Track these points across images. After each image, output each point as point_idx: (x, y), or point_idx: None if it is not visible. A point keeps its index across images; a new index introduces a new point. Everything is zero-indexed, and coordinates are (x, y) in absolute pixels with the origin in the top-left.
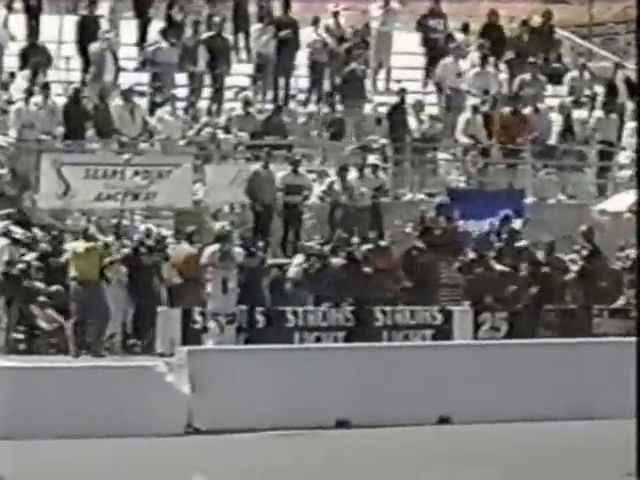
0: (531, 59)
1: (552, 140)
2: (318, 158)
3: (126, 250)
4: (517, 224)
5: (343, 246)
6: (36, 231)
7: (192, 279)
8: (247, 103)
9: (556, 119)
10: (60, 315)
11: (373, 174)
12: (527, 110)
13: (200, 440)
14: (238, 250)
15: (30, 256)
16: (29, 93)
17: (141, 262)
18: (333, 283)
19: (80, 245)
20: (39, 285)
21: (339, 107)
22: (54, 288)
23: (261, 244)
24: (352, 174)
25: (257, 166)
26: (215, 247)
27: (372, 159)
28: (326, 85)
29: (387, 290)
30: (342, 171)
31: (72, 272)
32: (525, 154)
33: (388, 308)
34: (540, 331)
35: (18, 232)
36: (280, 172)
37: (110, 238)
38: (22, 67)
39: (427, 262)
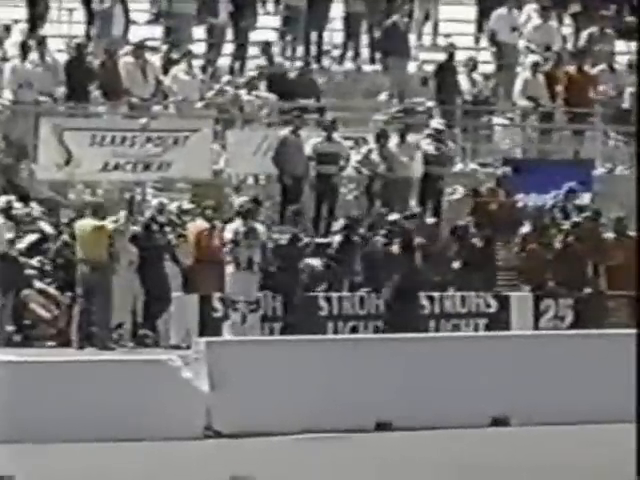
0: (600, 12)
1: (625, 103)
2: (355, 123)
3: (136, 228)
4: (584, 198)
5: (382, 223)
6: (34, 206)
7: (210, 260)
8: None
9: (629, 79)
10: (59, 302)
11: (437, 141)
12: (596, 68)
13: (221, 444)
14: (262, 228)
15: (29, 237)
16: (26, 48)
17: (153, 241)
18: (371, 265)
19: (88, 223)
20: (37, 268)
21: (379, 65)
22: (54, 271)
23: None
24: (393, 141)
25: (285, 132)
26: (238, 223)
27: (435, 123)
28: (364, 40)
29: (435, 273)
30: (381, 138)
31: (79, 253)
32: (594, 118)
33: (436, 294)
34: (610, 321)
35: (16, 208)
36: (312, 139)
37: (120, 214)
38: (18, 20)
39: (481, 241)
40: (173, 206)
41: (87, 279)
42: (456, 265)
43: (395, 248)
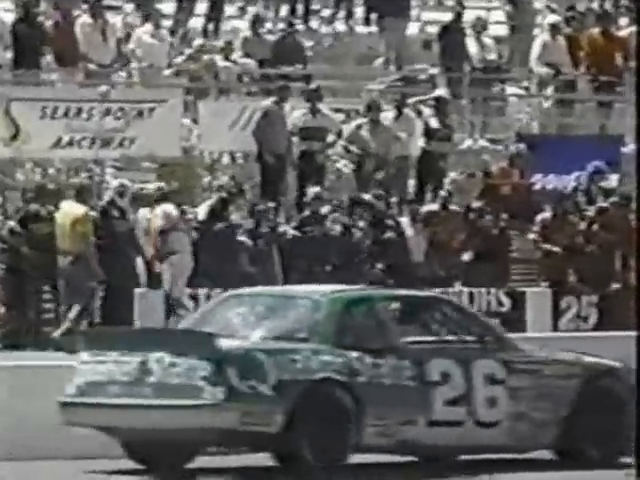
0: None
1: None
2: (346, 93)
3: (93, 213)
4: (612, 180)
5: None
6: None
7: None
8: (255, 21)
9: None
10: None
11: (439, 113)
12: (625, 31)
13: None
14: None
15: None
16: None
17: (112, 228)
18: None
19: (69, 207)
20: None
21: (374, 27)
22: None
23: (271, 205)
24: (389, 114)
25: (267, 102)
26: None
27: (440, 91)
28: None
29: (438, 266)
30: (373, 109)
31: (60, 243)
32: (623, 88)
33: (438, 289)
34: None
35: None
36: (296, 111)
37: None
38: None
39: (492, 229)
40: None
41: (66, 273)
42: (465, 257)
43: (387, 236)
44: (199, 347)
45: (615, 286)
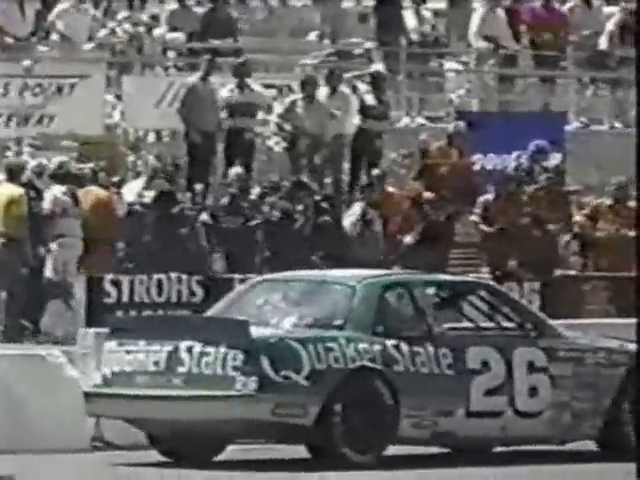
0: None
1: (603, 44)
2: (279, 68)
3: None
4: (555, 159)
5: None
6: None
7: (105, 237)
8: None
9: (610, 15)
10: None
11: (376, 89)
12: (568, 4)
13: (113, 458)
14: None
15: None
16: None
17: (30, 210)
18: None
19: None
20: None
21: None
22: None
23: (198, 186)
24: (324, 90)
25: (192, 78)
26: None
27: (377, 66)
28: None
29: (374, 251)
30: (308, 85)
31: None
32: (566, 63)
33: None
34: (585, 308)
35: None
36: (225, 86)
37: None
38: None
39: (430, 212)
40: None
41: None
42: (408, 239)
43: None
44: (231, 335)
45: (559, 272)
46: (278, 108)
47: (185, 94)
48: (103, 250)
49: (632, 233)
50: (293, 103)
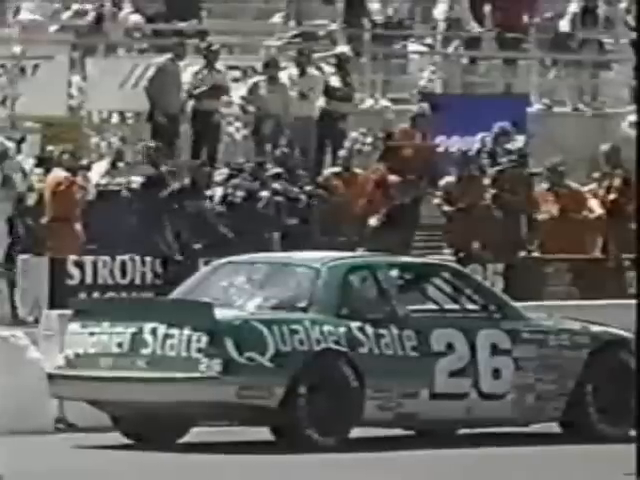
0: None
1: (566, 26)
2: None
3: None
4: (518, 141)
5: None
6: None
7: (67, 218)
8: None
9: None
10: None
11: (341, 71)
12: None
13: (77, 440)
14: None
15: None
16: None
17: None
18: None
19: None
20: None
21: None
22: None
23: (163, 168)
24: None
25: (162, 59)
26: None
27: (342, 48)
28: None
29: (337, 232)
30: (270, 67)
31: None
32: (529, 45)
33: None
34: (548, 289)
35: None
36: (190, 68)
37: None
38: None
39: (396, 195)
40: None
41: None
42: (372, 221)
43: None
44: (195, 318)
45: (522, 254)
46: (242, 90)
47: (154, 74)
48: (66, 233)
49: (576, 215)
50: (256, 85)
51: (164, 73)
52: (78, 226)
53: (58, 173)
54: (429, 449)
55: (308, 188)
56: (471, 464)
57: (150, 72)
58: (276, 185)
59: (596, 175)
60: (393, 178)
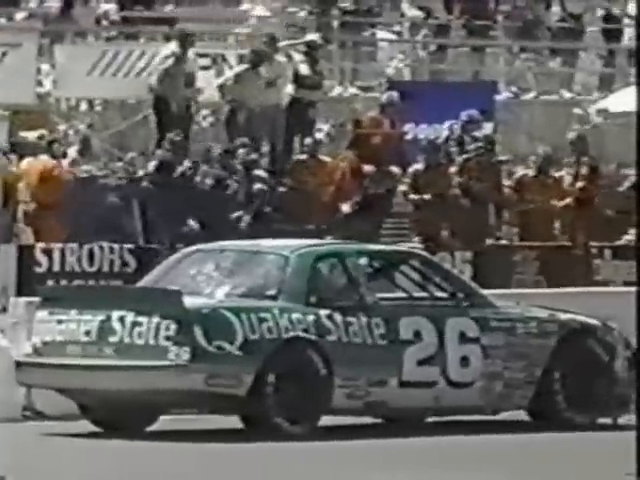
0: None
1: (533, 14)
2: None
3: None
4: (486, 129)
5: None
6: None
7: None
8: None
9: None
10: None
11: (310, 58)
12: None
13: (45, 428)
14: None
15: None
16: None
17: None
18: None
19: None
20: None
21: None
22: None
23: (130, 155)
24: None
25: (131, 47)
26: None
27: (312, 36)
28: None
29: (305, 220)
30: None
31: None
32: (497, 32)
33: None
34: (516, 278)
35: None
36: (160, 55)
37: None
38: None
39: (370, 185)
40: None
41: None
42: (345, 208)
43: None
44: (164, 305)
45: (489, 242)
46: (220, 78)
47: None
48: (56, 219)
49: (558, 203)
50: (238, 75)
51: (177, 64)
52: (65, 213)
53: (45, 160)
54: (397, 437)
55: (276, 176)
56: (439, 452)
57: (114, 61)
58: (245, 172)
59: (566, 161)
60: (369, 168)
